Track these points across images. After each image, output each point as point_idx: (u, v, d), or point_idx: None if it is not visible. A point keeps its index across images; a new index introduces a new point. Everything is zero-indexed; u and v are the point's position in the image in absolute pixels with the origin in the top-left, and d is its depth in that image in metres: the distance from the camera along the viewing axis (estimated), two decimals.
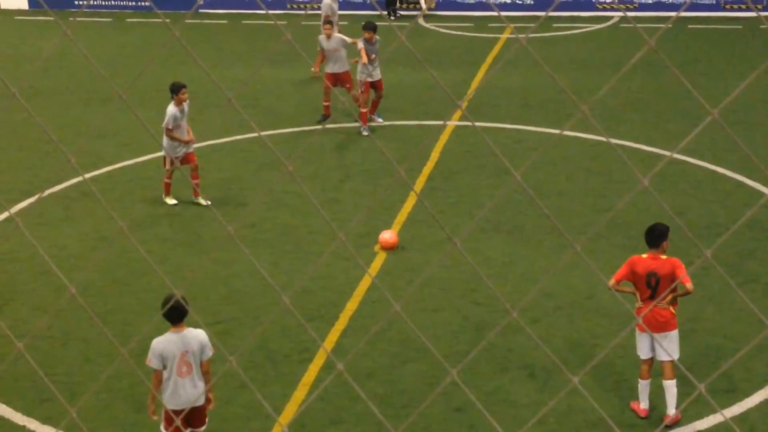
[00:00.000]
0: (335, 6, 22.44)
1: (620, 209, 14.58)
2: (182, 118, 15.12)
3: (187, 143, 15.20)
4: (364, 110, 18.40)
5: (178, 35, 2.34)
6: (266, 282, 12.96)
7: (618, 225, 14.21)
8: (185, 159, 15.31)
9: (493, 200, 15.33)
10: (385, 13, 27.80)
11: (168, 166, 15.38)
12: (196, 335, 8.80)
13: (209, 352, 8.87)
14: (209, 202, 15.53)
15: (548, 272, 12.99)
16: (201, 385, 8.86)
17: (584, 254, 13.52)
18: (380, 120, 19.27)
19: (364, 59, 18.16)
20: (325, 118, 19.10)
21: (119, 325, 11.99)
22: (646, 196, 14.98)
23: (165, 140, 15.15)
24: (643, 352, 9.90)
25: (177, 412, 8.85)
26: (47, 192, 16.19)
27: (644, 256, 9.69)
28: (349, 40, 18.84)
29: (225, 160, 17.54)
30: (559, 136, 18.06)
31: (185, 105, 15.19)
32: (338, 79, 18.73)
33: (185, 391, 8.85)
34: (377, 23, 18.92)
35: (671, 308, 9.75)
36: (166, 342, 8.82)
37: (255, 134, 18.48)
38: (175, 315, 8.75)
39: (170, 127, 15.00)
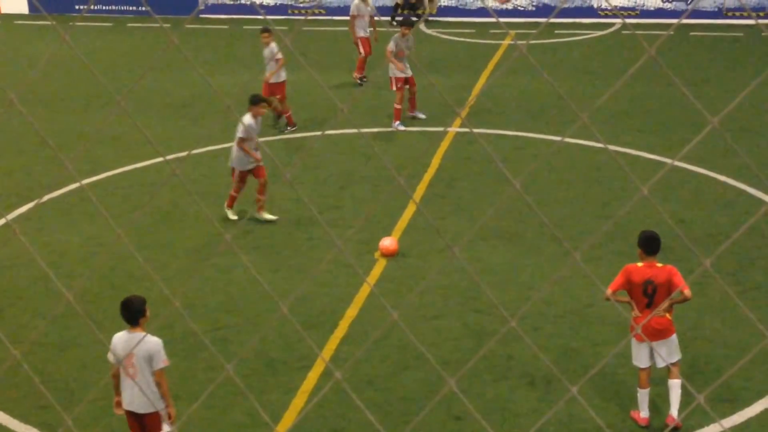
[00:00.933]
0: (363, 6, 22.15)
1: (621, 217, 14.58)
2: (256, 131, 14.94)
3: (256, 159, 14.77)
4: (398, 107, 19.04)
5: (177, 42, 2.35)
6: (265, 289, 12.95)
7: (619, 233, 14.21)
8: (256, 173, 14.91)
9: (493, 207, 15.33)
10: (389, 18, 27.76)
11: (235, 179, 15.00)
12: (145, 342, 8.61)
13: (160, 364, 8.65)
14: (276, 218, 15.14)
15: (549, 280, 12.99)
16: (154, 393, 8.74)
17: (585, 262, 13.54)
18: (422, 116, 19.73)
19: (400, 66, 18.86)
20: (286, 126, 19.13)
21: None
22: (647, 204, 14.98)
23: (236, 151, 14.76)
24: (642, 361, 9.90)
25: (130, 413, 8.84)
26: (46, 197, 16.19)
27: (640, 264, 9.68)
28: (276, 56, 18.71)
29: (225, 166, 17.52)
30: (561, 144, 18.06)
31: (260, 119, 15.01)
32: (272, 91, 18.70)
33: (133, 393, 8.78)
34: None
35: (668, 315, 9.76)
36: (118, 339, 8.81)
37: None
38: (125, 316, 8.72)
39: (244, 136, 14.61)
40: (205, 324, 12.13)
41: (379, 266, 13.61)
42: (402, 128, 19.08)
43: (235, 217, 15.23)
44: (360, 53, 22.20)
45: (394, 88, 19.08)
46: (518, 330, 2.40)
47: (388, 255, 13.82)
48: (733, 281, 12.88)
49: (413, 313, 12.33)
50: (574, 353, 11.44)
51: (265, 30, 18.99)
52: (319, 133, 19.15)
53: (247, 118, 14.80)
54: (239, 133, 14.69)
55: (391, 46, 19.03)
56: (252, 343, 11.72)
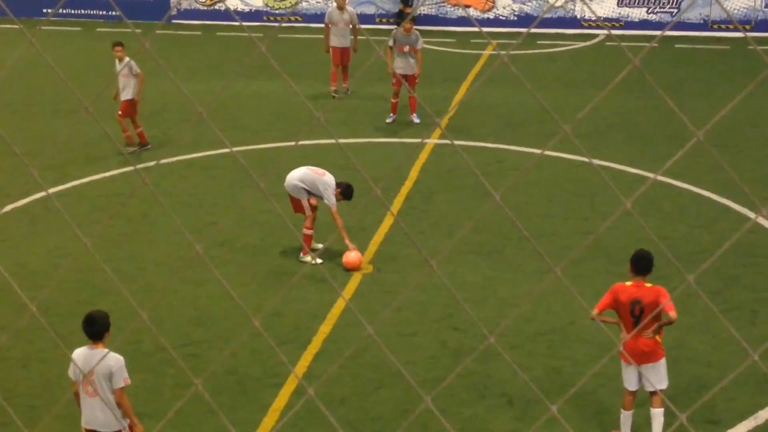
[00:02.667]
0: (336, 14, 21.90)
1: (603, 232, 14.63)
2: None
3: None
4: (394, 101, 20.02)
5: (148, 46, 2.34)
6: (237, 303, 12.91)
7: (601, 249, 14.25)
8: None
9: (472, 221, 15.34)
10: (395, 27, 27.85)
11: (308, 212, 14.15)
12: (106, 359, 8.50)
13: (120, 383, 8.55)
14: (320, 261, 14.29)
15: (528, 297, 13.00)
16: (114, 412, 8.65)
17: (566, 279, 13.51)
18: (417, 120, 20.33)
19: (390, 63, 19.81)
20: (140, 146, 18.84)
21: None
22: (630, 220, 15.04)
23: (298, 180, 14.14)
24: (631, 384, 9.87)
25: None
26: (9, 207, 16.10)
27: (628, 283, 9.65)
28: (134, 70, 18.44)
29: (195, 176, 17.50)
30: (541, 156, 18.13)
31: None
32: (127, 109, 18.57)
33: (91, 411, 8.69)
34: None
35: (657, 337, 9.74)
36: (78, 355, 8.72)
37: (227, 150, 18.45)
38: (88, 331, 8.63)
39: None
40: (174, 339, 12.07)
41: (354, 281, 13.60)
42: (389, 120, 20.06)
43: (320, 261, 14.25)
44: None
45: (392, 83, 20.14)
46: (497, 347, 2.40)
47: (352, 269, 13.82)
48: (717, 299, 12.94)
49: (389, 329, 12.32)
50: (553, 372, 11.45)
51: (118, 43, 18.57)
52: (292, 143, 19.14)
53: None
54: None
55: (390, 41, 19.33)
56: (222, 358, 11.67)
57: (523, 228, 14.99)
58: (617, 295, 9.58)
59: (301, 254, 14.31)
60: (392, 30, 20.47)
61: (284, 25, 29.70)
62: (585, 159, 17.76)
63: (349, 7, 22.07)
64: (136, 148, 18.63)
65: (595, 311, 9.59)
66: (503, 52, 23.13)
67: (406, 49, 19.75)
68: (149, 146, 18.70)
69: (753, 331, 12.27)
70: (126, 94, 18.40)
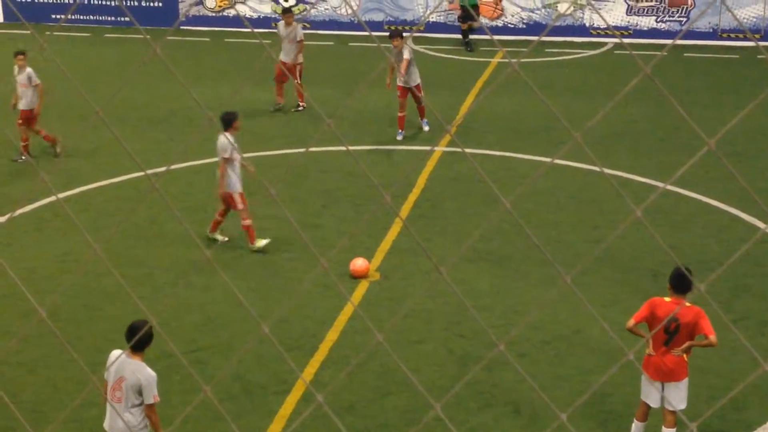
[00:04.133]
0: (282, 28, 21.76)
1: (612, 241, 14.62)
2: (234, 150, 14.51)
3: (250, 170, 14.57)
4: (401, 114, 19.74)
5: (159, 51, 2.35)
6: (243, 310, 12.92)
7: (608, 257, 14.24)
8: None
9: (480, 229, 15.35)
10: (463, 47, 27.14)
11: (241, 205, 14.56)
12: (140, 371, 8.53)
13: (149, 399, 8.58)
14: (227, 239, 15.04)
15: (536, 305, 12.99)
16: (132, 423, 8.63)
17: (574, 287, 13.45)
18: (427, 128, 20.32)
19: (387, 82, 19.84)
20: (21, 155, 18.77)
21: (90, 351, 11.91)
22: (639, 229, 15.02)
23: (230, 174, 14.46)
24: (653, 401, 9.77)
25: None
26: (17, 212, 16.12)
27: (667, 299, 9.48)
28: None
29: (204, 182, 17.51)
30: (551, 165, 18.11)
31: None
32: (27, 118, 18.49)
33: (113, 418, 8.74)
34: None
35: (685, 356, 9.63)
36: (114, 358, 8.76)
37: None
38: (128, 339, 8.65)
39: (228, 156, 14.34)
40: (180, 345, 12.08)
41: (361, 288, 13.60)
42: (399, 138, 19.86)
43: (265, 241, 14.82)
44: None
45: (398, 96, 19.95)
46: (506, 355, 2.40)
47: (359, 276, 13.84)
48: (726, 309, 12.91)
49: (396, 337, 12.32)
50: (561, 381, 11.44)
51: (21, 53, 18.57)
52: (302, 149, 19.16)
53: (230, 135, 14.40)
54: (227, 153, 14.33)
55: (407, 54, 19.39)
56: (230, 365, 11.68)
57: (532, 237, 14.97)
58: (655, 310, 9.40)
59: (251, 245, 14.68)
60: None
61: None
62: (593, 167, 17.75)
63: (295, 24, 21.87)
64: (25, 156, 18.61)
65: (632, 322, 9.42)
66: (513, 60, 23.11)
67: (396, 66, 19.56)
68: (59, 152, 18.70)
69: (763, 341, 12.25)
70: (24, 104, 18.25)
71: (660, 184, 16.95)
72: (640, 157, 18.64)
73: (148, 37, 3.14)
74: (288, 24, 21.75)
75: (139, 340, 8.56)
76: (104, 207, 16.44)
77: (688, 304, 9.50)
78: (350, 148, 19.07)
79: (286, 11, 22.47)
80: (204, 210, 16.21)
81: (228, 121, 14.20)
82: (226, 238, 15.01)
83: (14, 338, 12.39)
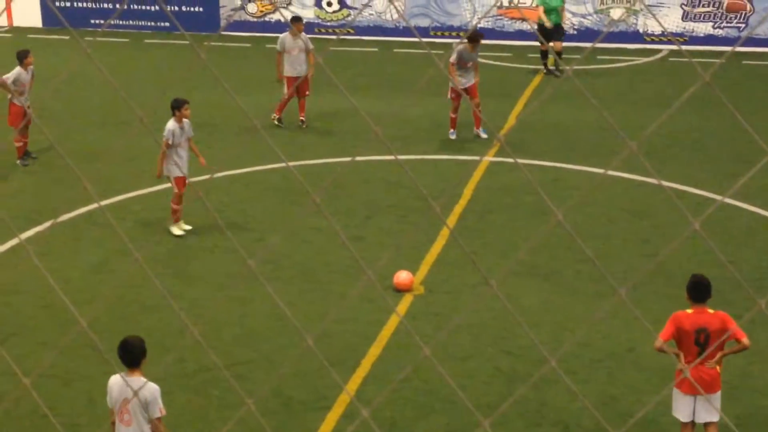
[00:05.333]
0: (290, 40, 21.24)
1: (666, 255, 14.51)
2: (181, 135, 15.42)
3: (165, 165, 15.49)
4: (452, 115, 20.30)
5: (204, 57, 2.37)
6: (283, 323, 12.97)
7: (661, 272, 14.14)
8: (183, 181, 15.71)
9: (529, 242, 15.30)
10: (546, 69, 25.76)
11: (176, 190, 15.62)
12: (142, 387, 8.52)
13: (156, 413, 8.55)
14: (190, 227, 15.89)
15: (586, 321, 12.93)
16: None
17: (629, 302, 13.34)
18: (485, 135, 20.49)
19: (456, 79, 19.99)
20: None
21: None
22: (693, 243, 14.90)
23: (170, 159, 15.51)
24: (684, 415, 9.76)
25: None
26: (58, 219, 16.28)
27: (689, 311, 9.52)
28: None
29: (242, 191, 17.61)
30: (603, 176, 18.03)
31: (185, 123, 15.51)
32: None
33: None
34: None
35: (718, 367, 9.62)
36: (114, 382, 8.75)
37: (275, 165, 18.57)
38: (125, 358, 8.61)
39: (170, 142, 15.33)
40: (219, 358, 12.13)
41: (405, 302, 13.60)
42: (452, 137, 20.25)
43: (182, 232, 15.83)
44: (284, 93, 21.42)
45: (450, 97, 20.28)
46: (558, 372, 2.39)
47: (403, 290, 13.84)
48: None
49: (440, 353, 12.30)
50: (611, 400, 11.37)
51: (28, 51, 19.04)
52: (348, 159, 19.19)
53: (170, 123, 15.34)
54: (164, 138, 15.37)
55: (452, 57, 19.70)
56: (271, 380, 11.71)
57: (579, 250, 14.91)
58: (680, 324, 9.45)
59: (170, 226, 15.76)
60: (454, 44, 20.59)
61: (341, 38, 29.84)
62: (645, 179, 17.64)
63: (303, 34, 21.63)
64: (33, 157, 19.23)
65: (660, 341, 9.42)
66: (567, 68, 23.00)
67: (470, 65, 19.93)
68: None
69: None
70: (25, 102, 18.79)
71: (717, 197, 16.82)
72: (694, 168, 18.50)
73: (193, 43, 3.17)
74: (296, 34, 21.42)
75: (134, 357, 8.56)
76: (142, 216, 16.56)
77: (711, 311, 9.50)
78: (399, 157, 19.08)
79: (296, 19, 22.20)
80: (243, 220, 16.29)
81: (173, 108, 15.37)
82: (189, 227, 15.88)
83: (53, 350, 12.50)
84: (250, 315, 13.27)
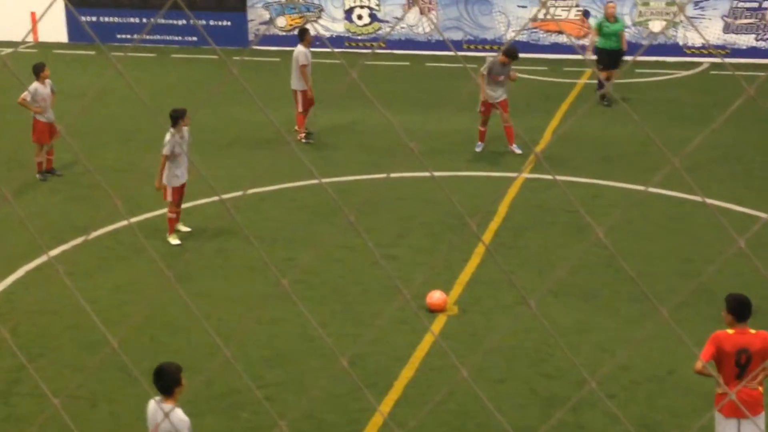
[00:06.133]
0: (309, 53, 21.65)
1: (709, 275, 14.44)
2: (181, 145, 15.93)
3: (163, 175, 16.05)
4: (481, 129, 20.55)
5: (236, 72, 2.40)
6: (313, 344, 13.00)
7: (704, 292, 14.07)
8: (181, 189, 16.27)
9: (568, 261, 15.27)
10: (599, 98, 24.53)
11: (170, 198, 16.14)
12: (173, 416, 8.49)
13: None
14: (189, 229, 16.61)
15: (626, 342, 12.88)
16: None
17: (672, 323, 13.21)
18: (519, 151, 20.50)
19: (485, 93, 20.16)
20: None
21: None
22: (737, 262, 14.81)
23: (169, 169, 16.09)
24: None
25: None
26: (79, 240, 16.40)
27: (730, 331, 9.46)
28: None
29: (272, 209, 17.67)
30: (644, 193, 17.97)
31: (185, 131, 16.07)
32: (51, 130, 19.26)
33: None
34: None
35: (760, 388, 9.58)
36: (150, 406, 8.80)
37: (304, 182, 18.63)
38: (158, 385, 8.65)
39: (167, 153, 15.88)
40: (249, 381, 12.16)
41: (439, 323, 13.60)
42: (478, 149, 20.49)
43: (177, 242, 16.28)
44: (300, 108, 21.65)
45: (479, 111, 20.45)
46: (598, 394, 2.40)
47: (436, 310, 13.84)
48: None
49: (475, 375, 12.29)
50: (653, 424, 11.31)
51: (43, 65, 19.43)
52: (379, 175, 19.23)
53: (169, 134, 15.97)
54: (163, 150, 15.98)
55: (484, 69, 19.91)
56: (301, 403, 11.74)
57: (618, 269, 14.87)
58: (721, 344, 9.41)
59: (168, 235, 16.27)
60: (487, 58, 20.67)
61: (368, 51, 29.93)
62: (686, 195, 17.57)
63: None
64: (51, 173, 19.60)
65: (700, 363, 9.36)
66: (609, 81, 22.95)
67: (501, 78, 19.99)
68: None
69: None
70: (49, 117, 19.13)
71: (762, 215, 16.73)
72: (737, 185, 18.42)
73: (224, 57, 3.21)
74: (308, 45, 21.69)
75: (165, 385, 8.60)
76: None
77: (752, 331, 9.44)
78: (423, 174, 19.08)
79: (304, 31, 22.19)
80: (272, 238, 16.34)
81: (174, 118, 15.87)
82: (189, 228, 16.62)
83: (80, 371, 12.58)
84: (279, 336, 13.31)
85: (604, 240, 2.36)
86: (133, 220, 17.18)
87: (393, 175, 19.16)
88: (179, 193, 16.20)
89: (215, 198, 18.04)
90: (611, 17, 24.01)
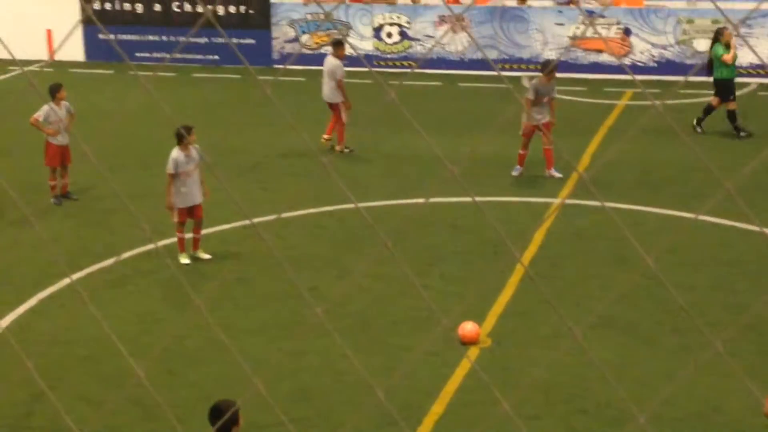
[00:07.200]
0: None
1: (756, 307, 14.34)
2: (187, 164, 16.21)
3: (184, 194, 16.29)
4: (523, 152, 20.48)
5: (269, 92, 2.40)
6: (340, 378, 12.98)
7: (752, 325, 13.97)
8: (192, 212, 16.45)
9: (608, 292, 15.19)
10: (696, 125, 23.66)
11: (176, 219, 16.42)
12: None
13: None
14: (210, 256, 16.68)
15: (668, 377, 12.79)
16: None
17: (713, 358, 13.12)
18: (559, 175, 20.47)
19: (530, 116, 20.08)
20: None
21: (170, 422, 12.05)
22: None
23: (176, 190, 16.35)
24: None
25: None
26: (96, 267, 16.46)
27: None
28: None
29: (296, 236, 17.69)
30: (693, 221, 17.88)
31: (192, 150, 16.33)
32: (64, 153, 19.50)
33: None
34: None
35: None
36: None
37: (330, 207, 18.64)
38: (212, 423, 8.69)
39: (172, 172, 16.17)
40: (271, 416, 12.15)
41: (471, 356, 13.56)
42: (515, 173, 20.48)
43: (187, 261, 16.61)
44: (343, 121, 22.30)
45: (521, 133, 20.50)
46: (646, 429, 2.37)
47: (469, 342, 13.81)
48: None
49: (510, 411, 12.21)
50: None
51: (60, 85, 19.59)
52: (422, 200, 19.21)
53: (174, 152, 16.25)
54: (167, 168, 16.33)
55: (530, 94, 19.96)
56: None
57: (678, 298, 14.78)
58: None
59: (179, 257, 16.58)
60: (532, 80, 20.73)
61: (398, 71, 29.96)
62: (733, 222, 17.46)
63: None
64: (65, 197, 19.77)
65: None
66: (657, 102, 22.84)
67: (546, 100, 20.00)
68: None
69: None
70: (64, 140, 19.36)
71: None
72: None
73: (257, 78, 3.21)
74: (342, 57, 22.63)
75: (224, 425, 8.65)
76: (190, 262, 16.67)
77: None
78: (460, 199, 19.05)
79: (339, 42, 23.04)
80: (297, 267, 16.34)
81: (179, 136, 16.19)
82: (209, 256, 16.73)
83: (94, 405, 12.57)
84: (304, 369, 13.29)
85: (655, 269, 2.34)
86: (150, 247, 17.22)
87: (422, 200, 19.14)
88: (186, 214, 16.39)
89: (236, 224, 18.06)
90: (729, 44, 23.19)
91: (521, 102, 20.46)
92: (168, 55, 30.95)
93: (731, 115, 23.15)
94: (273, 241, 17.43)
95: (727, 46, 22.94)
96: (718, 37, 23.22)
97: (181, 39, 30.92)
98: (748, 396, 12.06)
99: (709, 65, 23.19)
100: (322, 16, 30.66)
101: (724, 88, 23.05)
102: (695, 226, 17.53)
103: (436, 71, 29.44)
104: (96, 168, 19.42)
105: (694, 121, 23.48)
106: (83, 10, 30.89)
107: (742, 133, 22.94)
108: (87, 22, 31.33)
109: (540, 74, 20.31)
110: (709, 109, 23.37)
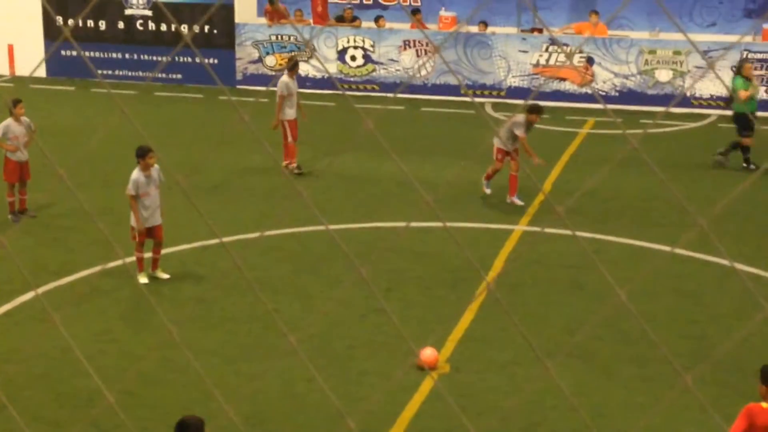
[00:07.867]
0: (292, 84, 22.69)
1: (713, 337, 14.45)
2: (148, 185, 16.24)
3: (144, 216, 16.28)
4: (491, 173, 20.93)
5: (247, 119, 2.43)
6: (298, 401, 12.96)
7: (709, 356, 14.06)
8: (152, 233, 16.46)
9: (566, 320, 15.26)
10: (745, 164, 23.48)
11: (137, 239, 16.43)
12: None
13: None
14: (168, 276, 16.68)
15: (625, 407, 12.86)
16: None
17: (668, 390, 13.23)
18: (520, 203, 20.62)
19: (536, 159, 20.26)
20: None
21: None
22: (743, 325, 14.83)
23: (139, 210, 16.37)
24: None
25: None
26: (52, 285, 16.38)
27: (764, 405, 9.32)
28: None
29: (255, 257, 17.67)
30: (669, 254, 18.01)
31: (153, 171, 16.32)
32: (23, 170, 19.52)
33: None
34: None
35: None
36: None
37: (291, 229, 18.66)
38: None
39: (132, 193, 16.15)
40: None
41: (428, 382, 13.57)
42: (488, 191, 20.95)
43: (145, 281, 16.65)
44: (289, 139, 22.58)
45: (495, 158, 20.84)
46: None
47: (427, 368, 13.83)
48: None
49: None
50: None
51: (19, 101, 19.69)
52: (403, 224, 19.25)
53: (134, 173, 16.26)
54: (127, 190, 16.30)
55: (521, 132, 20.41)
56: None
57: (618, 330, 14.86)
58: (754, 419, 9.20)
59: (137, 276, 16.58)
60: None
61: (359, 94, 30.04)
62: (692, 254, 17.61)
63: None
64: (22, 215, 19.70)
65: None
66: (635, 131, 23.01)
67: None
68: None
69: None
70: (23, 156, 19.33)
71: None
72: (746, 244, 18.46)
73: (200, 96, 3.23)
74: (293, 77, 23.01)
75: None
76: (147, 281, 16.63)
77: None
78: (422, 224, 19.12)
79: (296, 63, 23.71)
80: (258, 289, 16.32)
81: (138, 156, 16.28)
82: (168, 276, 16.72)
83: (49, 426, 12.48)
84: (261, 392, 13.25)
85: (626, 302, 2.37)
86: (111, 264, 17.16)
87: (384, 224, 19.19)
88: (146, 234, 16.38)
89: (196, 244, 18.03)
90: (750, 77, 23.31)
91: (496, 133, 20.76)
92: (144, 74, 30.85)
93: (744, 148, 23.20)
94: (234, 262, 17.41)
95: (748, 79, 23.06)
96: (739, 70, 23.32)
97: (144, 57, 30.87)
98: (702, 426, 12.14)
99: (730, 98, 23.23)
100: (285, 38, 30.69)
101: (742, 122, 23.13)
102: (651, 255, 17.66)
103: (400, 96, 29.55)
104: (61, 183, 19.32)
105: (743, 163, 23.21)
106: (60, 29, 30.79)
107: (751, 166, 23.05)
108: (53, 38, 31.22)
109: (523, 114, 20.79)
110: (744, 146, 23.22)
